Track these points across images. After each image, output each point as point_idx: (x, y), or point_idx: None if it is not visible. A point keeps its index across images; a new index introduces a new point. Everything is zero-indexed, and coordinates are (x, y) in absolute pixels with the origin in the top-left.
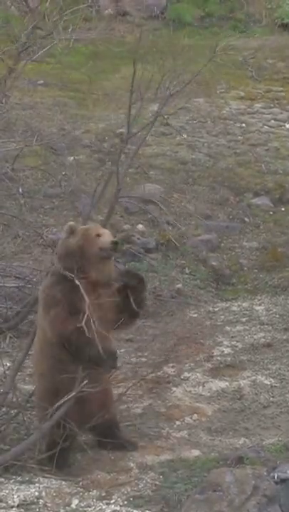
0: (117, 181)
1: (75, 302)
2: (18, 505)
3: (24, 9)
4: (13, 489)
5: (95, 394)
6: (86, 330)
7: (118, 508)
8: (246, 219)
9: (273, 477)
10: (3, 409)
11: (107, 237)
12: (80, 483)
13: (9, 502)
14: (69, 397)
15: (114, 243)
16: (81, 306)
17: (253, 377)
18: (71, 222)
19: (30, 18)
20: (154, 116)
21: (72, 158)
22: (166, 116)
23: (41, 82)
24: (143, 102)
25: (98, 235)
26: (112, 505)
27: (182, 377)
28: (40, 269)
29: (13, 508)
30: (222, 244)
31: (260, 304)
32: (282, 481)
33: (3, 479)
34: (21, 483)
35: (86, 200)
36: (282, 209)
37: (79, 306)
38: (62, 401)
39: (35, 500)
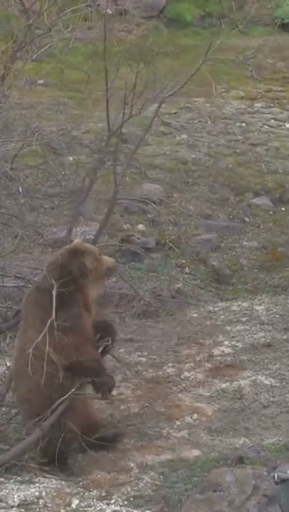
0: (114, 182)
1: (84, 328)
2: (18, 505)
3: (21, 8)
4: (13, 489)
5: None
6: (101, 358)
7: (118, 507)
8: (246, 219)
9: (273, 477)
10: (3, 409)
11: (107, 258)
12: (80, 483)
13: (9, 502)
14: (64, 398)
15: (114, 263)
16: (89, 330)
17: (253, 377)
18: (74, 243)
19: (26, 17)
20: (151, 119)
21: (71, 157)
22: (166, 116)
23: (41, 81)
24: (141, 101)
25: (100, 254)
26: (112, 505)
27: (182, 377)
28: (40, 269)
29: (14, 508)
30: (222, 244)
31: (260, 304)
32: (283, 481)
33: (3, 479)
34: (21, 483)
35: (86, 200)
36: (283, 209)
37: (88, 331)
38: (57, 402)
39: (36, 500)
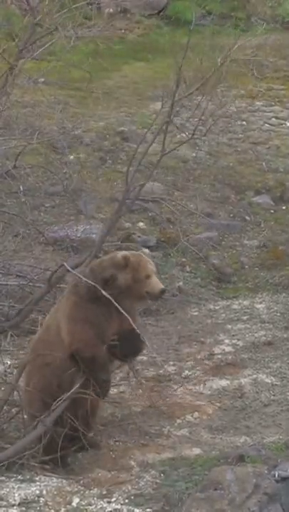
0: (126, 183)
1: (103, 326)
2: (19, 504)
3: (25, 7)
4: (13, 488)
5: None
6: (107, 357)
7: (119, 506)
8: (247, 217)
9: (274, 475)
10: (4, 407)
11: (155, 282)
12: (81, 482)
13: (10, 500)
14: (68, 395)
15: (162, 292)
16: (106, 331)
17: (254, 376)
18: (124, 253)
19: (31, 16)
20: (166, 123)
21: (72, 156)
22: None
23: (42, 80)
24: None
25: (147, 277)
26: (113, 504)
27: (183, 376)
28: (41, 267)
29: (14, 507)
30: (223, 243)
31: (261, 302)
32: (283, 479)
33: (4, 478)
34: (22, 481)
35: (87, 198)
36: (283, 207)
37: (104, 331)
38: (61, 398)
39: (36, 498)
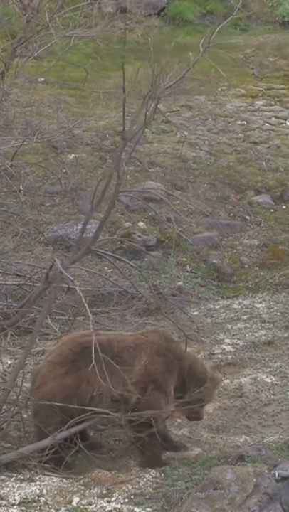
0: (117, 177)
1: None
2: (19, 503)
3: (22, 7)
4: (14, 487)
5: None
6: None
7: (119, 505)
8: (247, 217)
9: (274, 475)
10: (4, 407)
11: (203, 412)
12: (81, 481)
13: (10, 500)
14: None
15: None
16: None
17: (254, 375)
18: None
19: (25, 14)
20: (150, 115)
21: (72, 156)
22: (166, 114)
23: (41, 79)
24: (140, 99)
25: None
26: (113, 503)
27: None
28: (41, 267)
29: (14, 506)
30: (223, 242)
31: (261, 302)
32: (283, 478)
33: (4, 477)
34: (22, 481)
35: (86, 197)
36: (283, 207)
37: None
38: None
39: (36, 498)
